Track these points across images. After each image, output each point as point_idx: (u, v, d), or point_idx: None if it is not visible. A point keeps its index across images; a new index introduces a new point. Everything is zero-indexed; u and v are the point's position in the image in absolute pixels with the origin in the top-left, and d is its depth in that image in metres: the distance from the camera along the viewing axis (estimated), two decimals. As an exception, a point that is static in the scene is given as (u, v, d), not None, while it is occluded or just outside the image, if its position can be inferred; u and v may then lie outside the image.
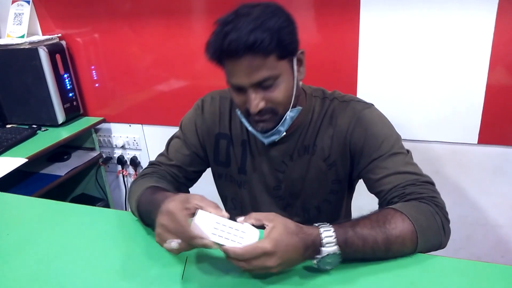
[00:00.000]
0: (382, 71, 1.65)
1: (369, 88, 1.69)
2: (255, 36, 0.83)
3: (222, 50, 0.86)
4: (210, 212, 0.78)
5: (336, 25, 1.64)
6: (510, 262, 1.78)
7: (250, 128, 1.02)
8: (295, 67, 0.95)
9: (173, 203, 0.80)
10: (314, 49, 1.69)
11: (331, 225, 0.81)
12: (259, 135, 1.02)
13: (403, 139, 1.67)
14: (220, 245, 0.75)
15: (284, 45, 0.88)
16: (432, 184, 0.96)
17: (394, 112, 1.69)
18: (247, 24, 0.84)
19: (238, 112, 1.03)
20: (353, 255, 0.81)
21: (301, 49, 0.95)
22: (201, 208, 0.79)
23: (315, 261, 0.79)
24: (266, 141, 1.02)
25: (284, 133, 1.01)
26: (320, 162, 1.06)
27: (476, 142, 1.64)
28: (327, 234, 0.79)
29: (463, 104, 1.60)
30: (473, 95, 1.57)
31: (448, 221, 0.90)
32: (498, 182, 1.69)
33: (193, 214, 0.78)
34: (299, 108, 1.00)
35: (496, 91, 1.54)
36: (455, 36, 1.52)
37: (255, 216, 0.79)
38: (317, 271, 0.82)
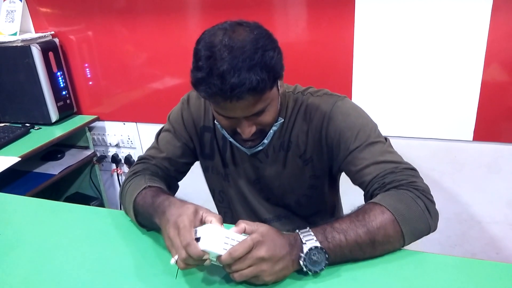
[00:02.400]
0: (377, 69, 1.65)
1: (364, 85, 1.69)
2: (256, 78, 0.80)
3: (223, 95, 0.82)
4: (215, 225, 0.78)
5: (331, 23, 1.63)
6: (504, 259, 1.79)
7: (231, 140, 1.02)
8: (279, 84, 0.95)
9: (183, 217, 0.78)
10: (309, 47, 1.68)
11: (307, 228, 0.82)
12: (242, 147, 1.02)
13: (398, 136, 1.69)
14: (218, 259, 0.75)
15: (277, 77, 0.88)
16: (413, 169, 0.95)
17: (389, 109, 1.69)
18: (243, 62, 0.80)
19: (219, 126, 1.01)
20: (340, 253, 0.80)
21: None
22: (207, 221, 0.80)
23: (301, 261, 0.78)
24: (249, 152, 1.04)
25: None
26: (296, 158, 1.07)
27: (471, 139, 1.64)
28: (305, 233, 0.80)
29: (458, 101, 1.60)
30: (468, 92, 1.57)
31: (432, 203, 0.89)
32: (493, 179, 1.69)
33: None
34: (281, 120, 1.01)
35: (491, 88, 1.54)
36: (450, 33, 1.52)
37: (243, 223, 0.79)
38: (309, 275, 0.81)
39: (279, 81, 0.94)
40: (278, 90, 0.95)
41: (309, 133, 1.04)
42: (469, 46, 1.51)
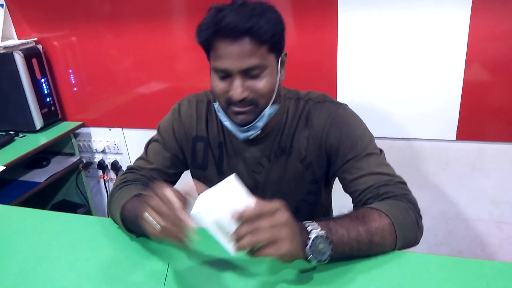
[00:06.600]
0: (361, 71, 1.67)
1: (348, 87, 1.71)
2: (255, 21, 0.86)
3: (219, 29, 0.87)
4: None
5: (315, 26, 1.65)
6: (490, 255, 1.82)
7: (226, 123, 1.01)
8: (279, 66, 0.96)
9: (161, 189, 0.77)
10: (294, 49, 1.69)
11: (311, 220, 0.82)
12: (235, 130, 1.01)
13: (382, 137, 1.71)
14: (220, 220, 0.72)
15: (277, 39, 0.91)
16: (404, 183, 0.99)
17: (374, 111, 1.71)
18: (246, 11, 0.87)
19: (216, 105, 1.02)
20: (340, 248, 0.80)
21: (285, 51, 0.98)
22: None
23: (307, 247, 0.76)
24: (242, 135, 1.01)
25: (260, 131, 1.01)
26: (297, 163, 1.07)
27: (455, 139, 1.67)
28: (309, 223, 0.80)
29: (441, 102, 1.62)
30: (450, 92, 1.60)
31: (421, 217, 0.93)
32: (476, 177, 1.72)
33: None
34: (277, 106, 1.01)
35: (472, 88, 1.57)
36: (431, 35, 1.54)
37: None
38: (305, 274, 0.82)
39: (279, 64, 0.96)
40: (277, 66, 0.96)
41: (310, 138, 1.05)
42: (450, 48, 1.54)
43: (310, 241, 0.77)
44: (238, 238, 0.71)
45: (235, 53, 0.88)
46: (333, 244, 0.79)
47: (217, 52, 0.91)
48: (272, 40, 0.90)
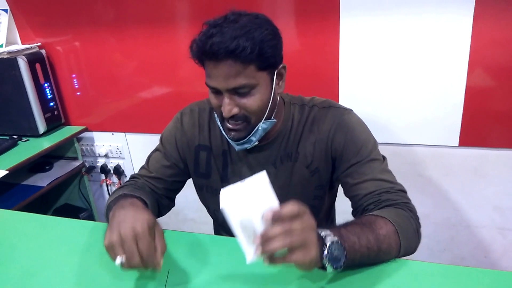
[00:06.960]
0: (363, 76, 1.67)
1: (350, 93, 1.71)
2: (237, 43, 0.84)
3: (204, 51, 0.87)
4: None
5: (316, 32, 1.65)
6: (493, 262, 1.81)
7: (224, 134, 1.03)
8: (275, 80, 0.96)
9: (143, 222, 0.79)
10: (296, 55, 1.70)
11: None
12: (231, 142, 1.03)
13: (385, 143, 1.71)
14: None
15: (265, 57, 0.89)
16: (405, 192, 0.99)
17: (376, 116, 1.71)
18: (233, 31, 0.85)
19: (216, 115, 1.03)
20: (352, 255, 0.79)
21: (283, 64, 0.97)
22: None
23: (324, 254, 0.75)
24: (237, 148, 1.03)
25: (257, 142, 1.02)
26: (303, 168, 1.07)
27: (457, 145, 1.66)
28: (322, 230, 0.78)
29: (444, 108, 1.62)
30: (453, 98, 1.59)
31: (420, 226, 0.93)
32: (479, 183, 1.71)
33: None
34: (272, 120, 1.01)
35: (475, 94, 1.57)
36: (434, 40, 1.54)
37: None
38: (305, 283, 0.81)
39: (276, 78, 0.95)
40: (272, 81, 0.95)
41: (316, 144, 1.05)
42: (453, 53, 1.53)
43: (327, 247, 0.75)
44: (267, 239, 0.68)
45: (221, 74, 0.89)
46: (346, 251, 0.78)
47: (207, 70, 0.92)
48: (260, 59, 0.88)
